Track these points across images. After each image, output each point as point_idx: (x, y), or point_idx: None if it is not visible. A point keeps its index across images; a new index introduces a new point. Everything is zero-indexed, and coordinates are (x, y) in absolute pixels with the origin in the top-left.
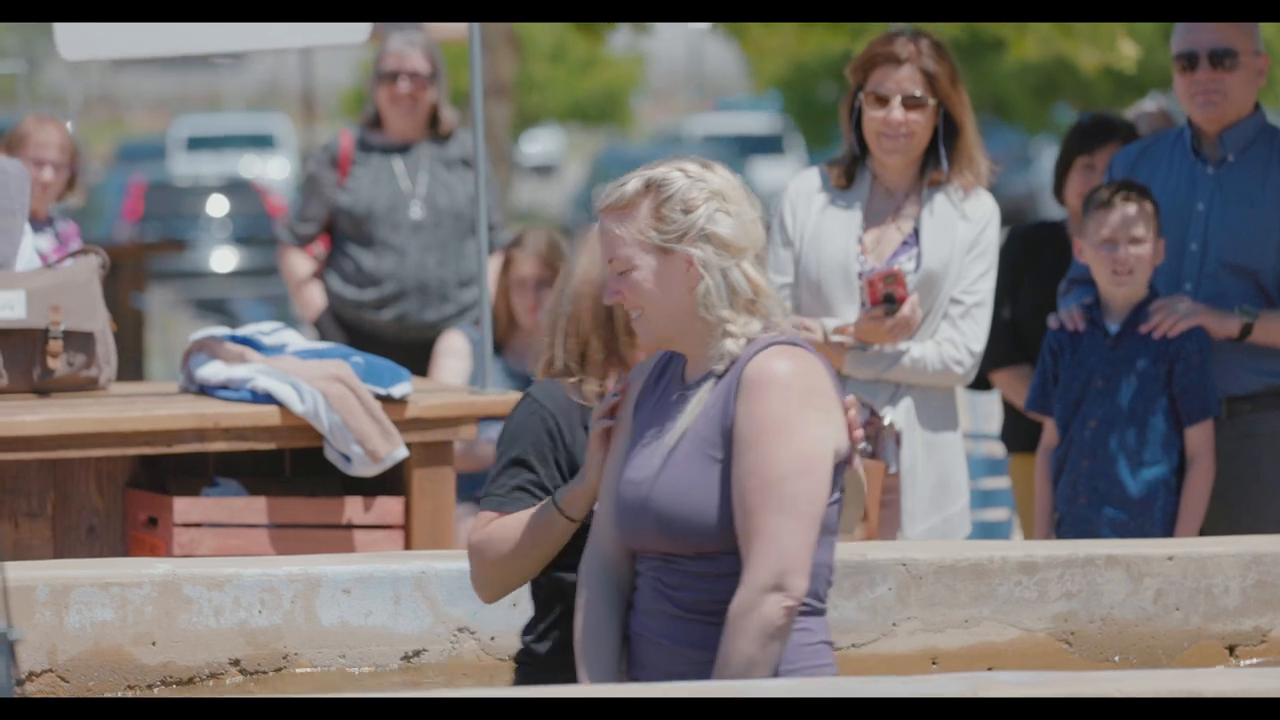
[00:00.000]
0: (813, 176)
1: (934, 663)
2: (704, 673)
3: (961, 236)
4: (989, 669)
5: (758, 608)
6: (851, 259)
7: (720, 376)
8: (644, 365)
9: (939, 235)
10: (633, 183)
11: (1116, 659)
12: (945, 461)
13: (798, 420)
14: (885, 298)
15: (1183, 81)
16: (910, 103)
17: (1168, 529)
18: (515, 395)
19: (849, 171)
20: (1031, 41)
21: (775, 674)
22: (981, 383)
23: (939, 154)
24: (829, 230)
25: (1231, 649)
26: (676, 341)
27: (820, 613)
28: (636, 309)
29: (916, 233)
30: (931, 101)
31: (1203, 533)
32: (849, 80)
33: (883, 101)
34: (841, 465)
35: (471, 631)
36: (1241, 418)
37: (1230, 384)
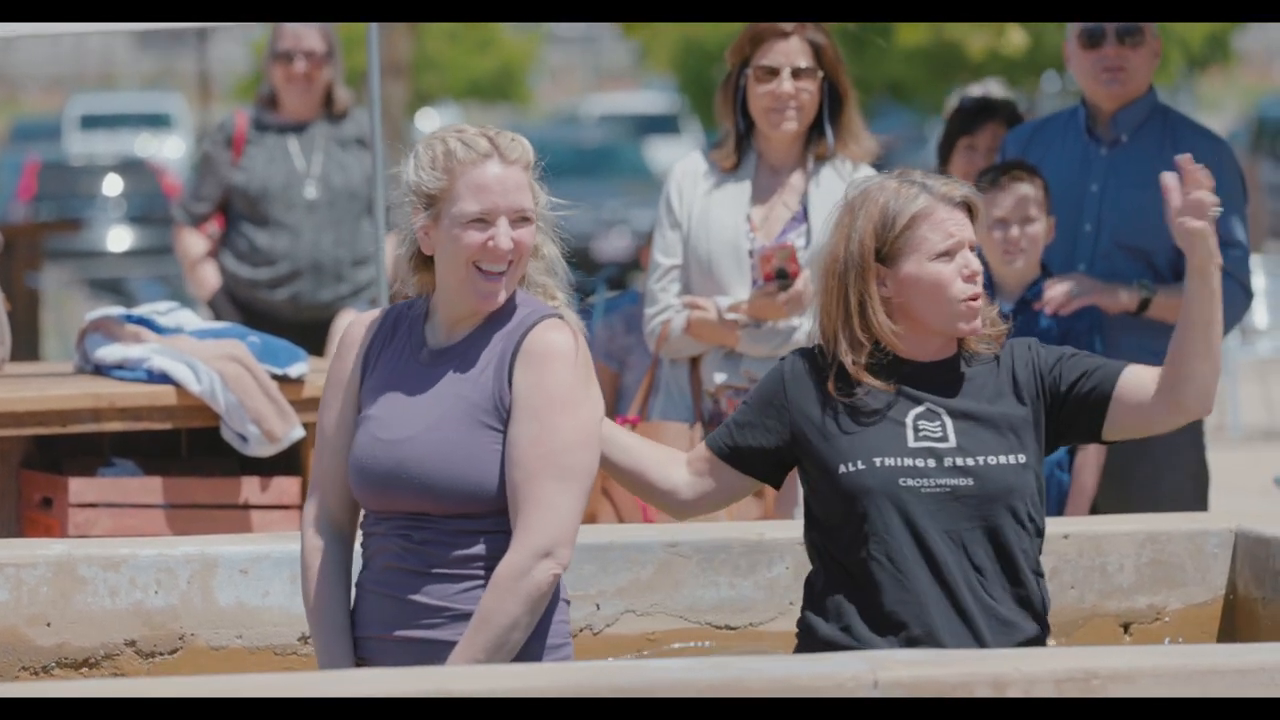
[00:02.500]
0: (698, 159)
1: None
2: (438, 626)
3: None
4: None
5: (529, 572)
6: (741, 237)
7: (487, 342)
8: (369, 323)
9: (828, 210)
10: (527, 144)
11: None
12: None
13: (581, 393)
14: (778, 273)
15: (1086, 58)
16: (799, 74)
17: (1059, 509)
18: None
19: (734, 152)
20: (920, 27)
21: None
22: None
23: (824, 128)
24: (717, 209)
25: (1126, 626)
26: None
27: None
28: (512, 260)
29: (805, 209)
30: (819, 73)
31: (1097, 512)
32: (729, 62)
33: (772, 74)
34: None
35: None
36: None
37: None
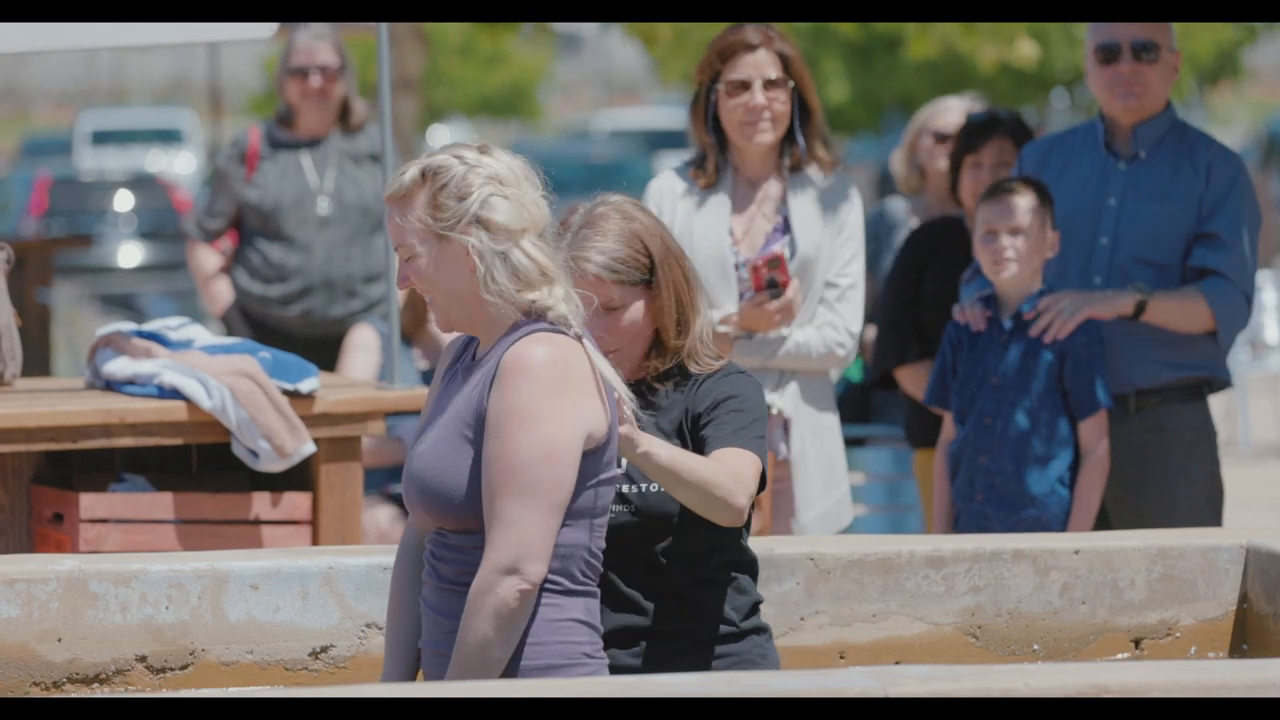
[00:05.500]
0: (672, 177)
1: (842, 656)
2: (452, 642)
3: (829, 220)
4: (896, 663)
5: (494, 589)
6: (725, 250)
7: (483, 360)
8: (454, 344)
9: (809, 220)
10: (410, 171)
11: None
12: (830, 446)
13: (544, 408)
14: (769, 283)
15: (1102, 74)
16: (770, 85)
17: (1064, 524)
18: (424, 390)
19: (709, 168)
20: (931, 40)
21: (514, 651)
22: (886, 380)
23: (795, 138)
24: (699, 225)
25: (1137, 642)
26: (468, 324)
27: (574, 593)
28: (427, 294)
29: (785, 220)
30: (790, 83)
31: (1112, 527)
32: (697, 80)
33: (743, 87)
34: (602, 449)
35: (379, 627)
36: (1149, 411)
37: (1139, 377)
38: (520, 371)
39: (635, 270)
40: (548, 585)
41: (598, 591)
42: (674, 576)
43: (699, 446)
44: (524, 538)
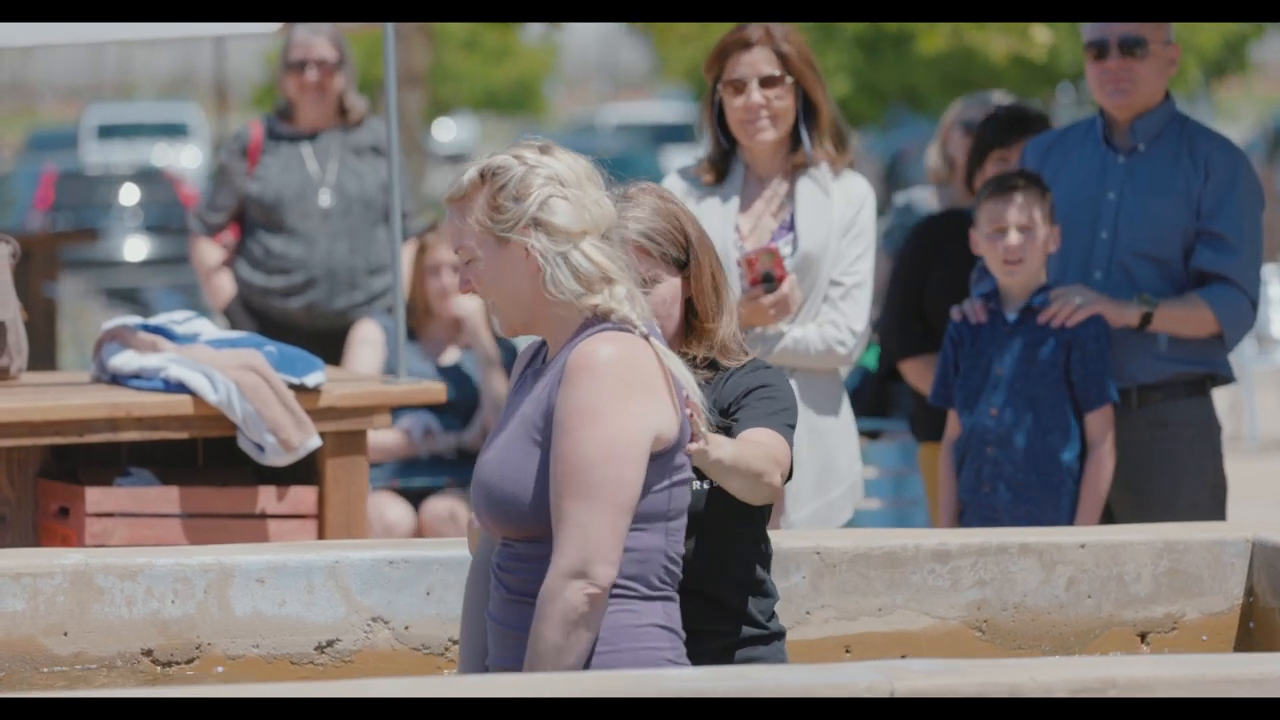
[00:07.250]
0: (677, 180)
1: (847, 651)
2: (522, 656)
3: (837, 218)
4: (902, 657)
5: (561, 594)
6: (730, 246)
7: (553, 363)
8: (526, 350)
9: (814, 217)
10: (469, 173)
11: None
12: (829, 446)
13: (609, 407)
14: (764, 276)
15: (1094, 70)
16: (767, 83)
17: (1071, 516)
18: (430, 384)
19: (717, 168)
20: (941, 32)
21: (588, 658)
22: (893, 373)
23: (802, 136)
24: (705, 222)
25: (1143, 636)
26: (532, 327)
27: (652, 598)
28: (487, 298)
29: (792, 217)
30: (789, 79)
31: (1115, 521)
32: (706, 80)
33: (740, 87)
34: (673, 450)
35: (385, 621)
36: (1151, 406)
37: (1141, 372)
38: (586, 369)
39: (671, 246)
40: (624, 590)
41: (677, 597)
42: (703, 574)
43: (726, 435)
44: (590, 540)
